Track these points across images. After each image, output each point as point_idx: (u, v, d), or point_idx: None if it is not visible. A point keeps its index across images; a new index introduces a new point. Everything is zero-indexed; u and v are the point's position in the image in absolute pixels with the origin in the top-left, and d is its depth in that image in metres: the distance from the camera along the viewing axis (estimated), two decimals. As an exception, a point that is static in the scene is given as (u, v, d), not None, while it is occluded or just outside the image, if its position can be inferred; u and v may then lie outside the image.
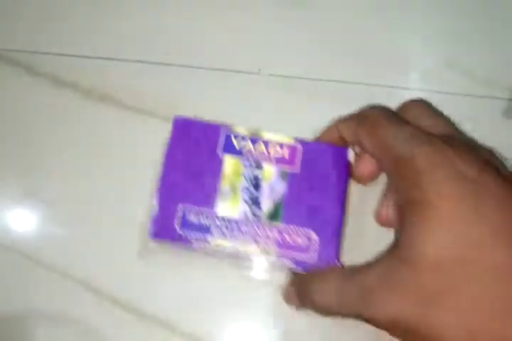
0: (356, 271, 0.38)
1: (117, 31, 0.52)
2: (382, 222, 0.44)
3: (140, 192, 0.45)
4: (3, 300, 0.46)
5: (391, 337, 0.43)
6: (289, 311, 0.45)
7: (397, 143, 0.37)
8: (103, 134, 0.49)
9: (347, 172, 0.43)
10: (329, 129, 0.44)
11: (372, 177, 0.44)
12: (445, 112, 0.48)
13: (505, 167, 0.37)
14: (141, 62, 0.51)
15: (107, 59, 0.51)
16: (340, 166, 0.43)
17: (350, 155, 0.44)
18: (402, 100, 0.49)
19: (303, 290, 0.41)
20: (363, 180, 0.44)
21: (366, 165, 0.43)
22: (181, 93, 0.47)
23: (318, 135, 0.45)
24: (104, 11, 0.52)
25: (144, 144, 0.48)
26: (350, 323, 0.44)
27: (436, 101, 0.49)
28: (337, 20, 0.53)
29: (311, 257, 0.41)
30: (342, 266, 0.42)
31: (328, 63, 0.52)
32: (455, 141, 0.37)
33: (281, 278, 0.45)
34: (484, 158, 0.35)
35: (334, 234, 0.42)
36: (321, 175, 0.43)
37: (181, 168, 0.43)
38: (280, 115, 0.49)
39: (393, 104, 0.49)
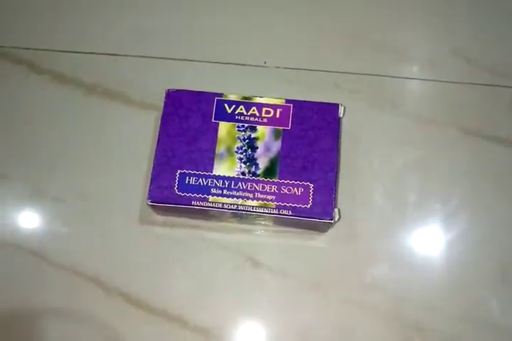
0: None
1: (121, 27, 0.53)
2: None
3: (146, 188, 0.44)
4: (16, 297, 0.46)
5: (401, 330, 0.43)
6: (294, 300, 0.45)
7: None
8: (108, 130, 0.50)
9: (338, 126, 0.44)
10: None
11: None
12: (451, 101, 0.50)
13: None
14: (145, 57, 0.52)
15: (111, 55, 0.52)
16: (332, 121, 0.44)
17: (341, 110, 0.44)
18: (408, 90, 0.51)
19: None
20: None
21: None
22: (186, 87, 0.46)
23: None
24: (107, 8, 0.54)
25: (150, 139, 0.48)
26: (359, 311, 0.44)
27: (442, 90, 0.51)
28: (340, 11, 0.54)
29: (309, 206, 0.41)
30: (339, 211, 0.42)
31: (331, 54, 0.52)
32: None
33: (289, 268, 0.46)
34: None
35: (330, 182, 0.42)
36: (313, 130, 0.44)
37: (177, 136, 0.44)
38: None
39: (398, 94, 0.51)
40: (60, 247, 0.46)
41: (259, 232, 0.47)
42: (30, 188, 0.48)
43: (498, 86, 0.51)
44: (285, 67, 0.52)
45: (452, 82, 0.51)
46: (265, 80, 0.51)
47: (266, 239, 0.47)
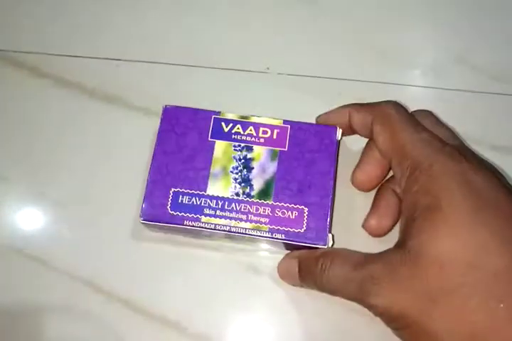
0: (365, 259, 0.38)
1: (123, 32, 0.53)
2: (373, 231, 0.44)
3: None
4: (15, 300, 0.45)
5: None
6: (297, 308, 0.45)
7: (415, 149, 0.38)
8: (109, 134, 0.50)
9: (336, 149, 0.44)
10: (339, 113, 0.45)
11: (372, 184, 0.45)
12: (456, 109, 0.50)
13: (507, 181, 0.38)
14: (148, 62, 0.52)
15: (113, 59, 0.52)
16: (330, 143, 0.44)
17: (339, 133, 0.44)
18: (412, 98, 0.50)
19: (309, 268, 0.41)
20: (363, 186, 0.45)
21: (367, 172, 0.44)
22: (188, 93, 0.47)
23: (324, 115, 0.45)
24: (109, 12, 0.54)
25: (150, 143, 0.47)
26: (362, 319, 0.44)
27: (446, 98, 0.51)
28: (343, 18, 0.54)
29: (303, 230, 0.41)
30: (333, 237, 0.41)
31: (335, 61, 0.52)
32: (467, 153, 0.39)
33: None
34: (491, 171, 0.38)
35: (325, 207, 0.42)
36: (310, 153, 0.43)
37: (172, 154, 0.43)
38: (288, 113, 0.46)
39: (403, 101, 0.50)
40: (59, 251, 0.46)
41: (255, 252, 0.46)
42: (30, 191, 0.48)
43: (504, 94, 0.51)
44: (288, 74, 0.52)
45: (457, 90, 0.51)
46: (267, 86, 0.51)
47: (262, 256, 0.46)
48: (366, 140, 0.47)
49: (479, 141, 0.49)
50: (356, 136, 0.47)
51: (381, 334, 0.43)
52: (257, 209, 0.42)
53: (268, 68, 0.52)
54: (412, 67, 0.52)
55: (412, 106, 0.50)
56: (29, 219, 0.47)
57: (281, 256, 0.45)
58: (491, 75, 0.51)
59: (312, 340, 0.44)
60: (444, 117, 0.49)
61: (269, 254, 0.46)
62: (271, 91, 0.51)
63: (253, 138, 0.44)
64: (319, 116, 0.45)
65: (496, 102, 0.51)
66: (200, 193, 0.42)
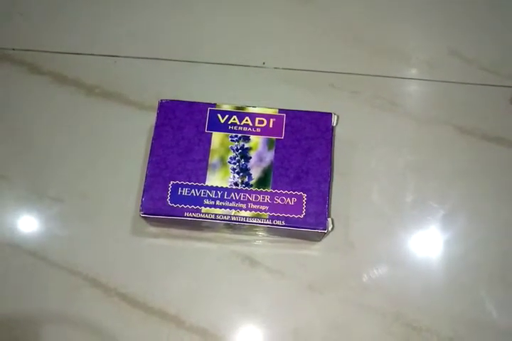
0: None
1: (120, 29, 0.54)
2: None
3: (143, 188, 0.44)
4: (14, 296, 0.46)
5: (398, 330, 0.43)
6: (292, 299, 0.45)
7: None
8: (107, 130, 0.50)
9: (331, 135, 0.44)
10: None
11: None
12: (449, 101, 0.50)
13: None
14: (145, 58, 0.52)
15: (110, 56, 0.53)
16: (325, 130, 0.44)
17: (334, 119, 0.44)
18: (404, 90, 0.51)
19: None
20: None
21: None
22: (185, 88, 0.47)
23: None
24: (106, 10, 0.54)
25: (148, 139, 0.48)
26: (358, 312, 0.44)
27: (442, 90, 0.51)
28: (336, 14, 0.54)
29: (302, 216, 0.41)
30: (332, 221, 0.41)
31: (329, 55, 0.53)
32: None
33: (286, 267, 0.45)
34: None
35: (323, 192, 0.42)
36: (307, 140, 0.43)
37: (170, 147, 0.44)
38: (284, 106, 0.45)
39: (397, 95, 0.51)
40: (58, 247, 0.47)
41: (253, 242, 0.46)
42: (28, 189, 0.48)
43: (496, 85, 0.51)
44: (284, 68, 0.52)
45: (450, 82, 0.51)
46: (264, 81, 0.52)
47: (260, 248, 0.46)
48: (360, 128, 0.47)
49: (471, 131, 0.49)
50: (350, 124, 0.47)
51: (378, 328, 0.44)
52: (256, 198, 0.42)
53: (264, 63, 0.52)
54: (404, 60, 0.52)
55: (406, 98, 0.51)
56: (28, 215, 0.48)
57: (276, 247, 0.45)
58: (483, 67, 0.52)
59: (308, 332, 0.44)
60: (436, 109, 0.49)
61: (264, 244, 0.46)
62: (267, 85, 0.51)
63: (249, 128, 0.44)
64: None
65: (487, 93, 0.51)
66: (199, 184, 0.42)
